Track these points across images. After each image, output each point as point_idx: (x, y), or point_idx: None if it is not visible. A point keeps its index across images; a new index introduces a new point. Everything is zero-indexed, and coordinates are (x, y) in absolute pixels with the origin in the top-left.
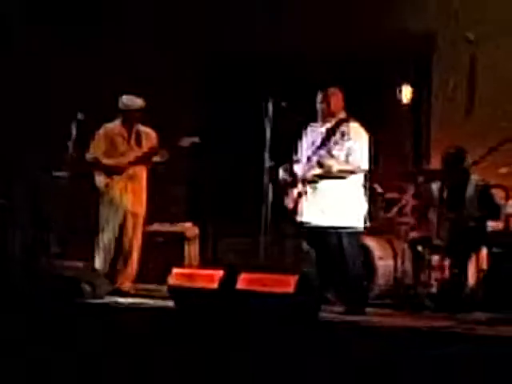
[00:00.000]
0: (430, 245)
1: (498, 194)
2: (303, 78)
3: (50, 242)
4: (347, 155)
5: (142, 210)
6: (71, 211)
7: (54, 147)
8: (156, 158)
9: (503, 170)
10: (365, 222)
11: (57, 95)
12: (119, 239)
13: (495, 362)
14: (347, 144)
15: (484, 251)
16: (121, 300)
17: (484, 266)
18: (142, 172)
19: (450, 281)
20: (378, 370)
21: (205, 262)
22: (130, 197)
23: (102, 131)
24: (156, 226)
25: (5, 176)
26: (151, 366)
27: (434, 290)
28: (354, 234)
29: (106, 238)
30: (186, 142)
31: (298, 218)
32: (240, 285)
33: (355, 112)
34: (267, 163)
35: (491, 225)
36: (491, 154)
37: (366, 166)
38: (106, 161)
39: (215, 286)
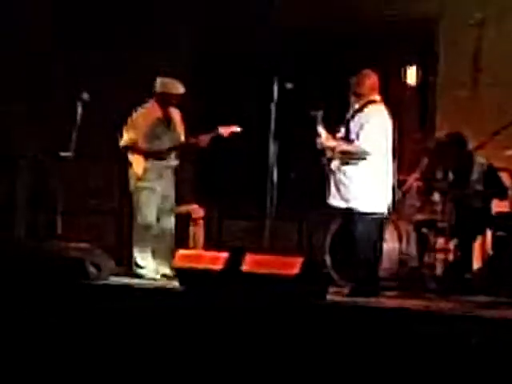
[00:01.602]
0: (435, 227)
1: (504, 178)
2: (307, 59)
3: (56, 224)
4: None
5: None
6: (77, 192)
7: (58, 127)
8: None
9: (509, 153)
10: (388, 209)
11: (60, 75)
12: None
13: (497, 345)
14: (361, 126)
15: (489, 234)
16: (125, 281)
17: (489, 249)
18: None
19: (455, 263)
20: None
21: (210, 244)
22: (163, 182)
23: (138, 115)
24: None
25: (9, 157)
26: (155, 347)
27: (438, 272)
28: (375, 220)
29: (151, 234)
30: (225, 130)
31: (327, 200)
32: (245, 266)
33: None
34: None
35: (496, 208)
36: (495, 138)
37: (371, 149)
38: (146, 145)
39: (220, 267)
